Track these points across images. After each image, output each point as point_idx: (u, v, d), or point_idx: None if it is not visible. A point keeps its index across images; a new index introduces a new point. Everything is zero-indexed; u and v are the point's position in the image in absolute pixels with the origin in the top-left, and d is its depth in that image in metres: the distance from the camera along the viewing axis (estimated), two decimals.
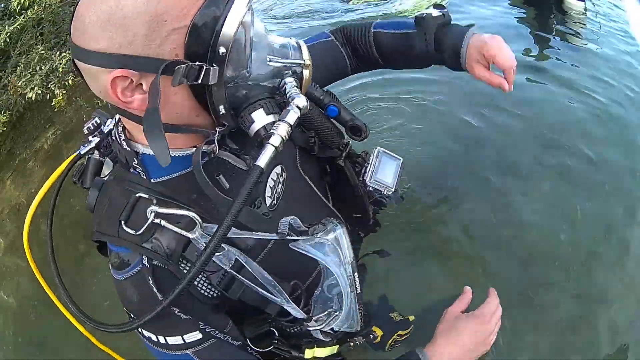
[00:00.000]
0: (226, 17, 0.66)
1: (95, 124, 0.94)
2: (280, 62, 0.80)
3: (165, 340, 0.79)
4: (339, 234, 0.85)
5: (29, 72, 2.89)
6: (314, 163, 1.13)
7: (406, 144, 2.24)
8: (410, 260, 1.73)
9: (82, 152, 0.94)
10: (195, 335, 0.80)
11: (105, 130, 0.93)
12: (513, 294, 1.73)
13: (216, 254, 0.74)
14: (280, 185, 0.95)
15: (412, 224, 1.86)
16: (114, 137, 0.82)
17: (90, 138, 0.93)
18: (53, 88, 3.03)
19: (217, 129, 0.76)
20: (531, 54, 2.95)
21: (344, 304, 0.87)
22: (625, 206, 2.03)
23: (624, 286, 1.76)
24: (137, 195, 0.76)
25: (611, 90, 2.58)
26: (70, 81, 3.23)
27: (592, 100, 2.52)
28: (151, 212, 0.74)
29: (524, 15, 3.41)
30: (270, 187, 0.92)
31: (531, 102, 2.48)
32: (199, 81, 0.66)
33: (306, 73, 0.82)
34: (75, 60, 0.69)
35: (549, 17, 3.38)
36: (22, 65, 2.93)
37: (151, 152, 0.75)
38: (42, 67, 2.94)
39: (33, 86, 2.85)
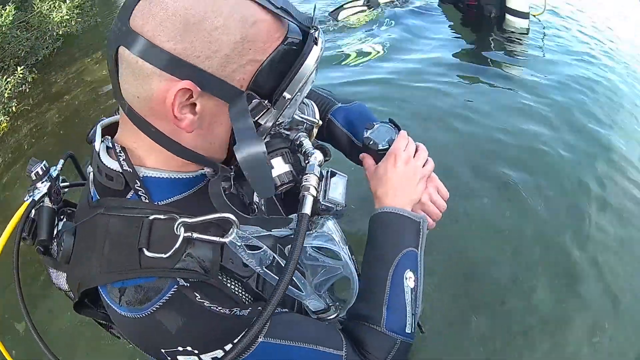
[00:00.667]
0: (302, 65, 0.64)
1: (45, 168, 0.83)
2: (301, 117, 0.85)
3: (234, 345, 0.67)
4: (333, 224, 0.87)
5: None
6: None
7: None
8: None
9: (36, 199, 0.80)
10: (245, 311, 0.71)
11: (54, 174, 0.83)
12: (455, 308, 1.79)
13: (251, 252, 0.72)
14: (263, 206, 0.94)
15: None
16: (102, 161, 0.70)
17: (38, 185, 0.81)
18: None
19: (232, 167, 0.74)
20: (472, 72, 3.09)
21: (353, 288, 0.88)
22: (568, 213, 2.17)
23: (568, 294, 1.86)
24: (152, 217, 0.67)
25: (553, 105, 2.75)
26: (14, 107, 3.10)
27: (535, 114, 2.69)
28: (179, 225, 0.65)
29: (464, 35, 3.58)
30: (255, 204, 0.92)
31: (471, 118, 2.64)
32: (255, 120, 0.66)
33: (314, 132, 0.88)
34: (122, 49, 0.59)
35: (489, 37, 3.53)
36: None
37: (155, 175, 0.69)
38: None
39: None
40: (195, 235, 0.66)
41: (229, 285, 0.72)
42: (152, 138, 0.66)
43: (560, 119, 2.72)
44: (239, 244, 0.69)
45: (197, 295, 0.66)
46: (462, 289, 1.90)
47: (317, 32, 0.67)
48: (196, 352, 0.66)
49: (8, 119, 3.01)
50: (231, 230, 0.68)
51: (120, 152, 0.68)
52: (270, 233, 0.76)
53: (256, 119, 0.66)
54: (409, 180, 0.99)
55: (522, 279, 1.94)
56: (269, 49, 0.63)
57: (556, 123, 2.68)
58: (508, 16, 3.50)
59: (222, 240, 0.67)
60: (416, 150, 1.02)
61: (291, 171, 0.78)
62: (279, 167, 0.77)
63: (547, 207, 2.20)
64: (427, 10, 4.12)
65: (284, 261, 0.74)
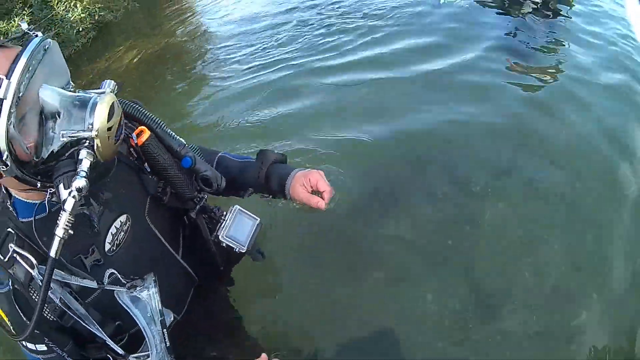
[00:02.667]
0: None
1: None
2: (69, 138, 0.81)
3: (26, 344, 0.97)
4: (152, 294, 0.99)
5: None
6: (167, 212, 1.20)
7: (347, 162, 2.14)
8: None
9: None
10: (43, 347, 0.97)
11: None
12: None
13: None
14: (122, 234, 1.04)
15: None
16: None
17: None
18: None
19: (48, 192, 0.87)
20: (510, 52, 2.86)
21: (150, 350, 1.01)
22: (591, 229, 1.83)
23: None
24: (7, 230, 0.90)
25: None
26: None
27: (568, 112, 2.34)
28: (11, 247, 0.88)
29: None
30: (112, 233, 1.01)
31: (494, 112, 2.34)
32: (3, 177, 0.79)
33: (97, 142, 0.81)
34: None
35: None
36: None
37: (18, 197, 0.92)
38: None
39: None
40: (17, 258, 0.87)
41: (36, 299, 0.88)
42: None
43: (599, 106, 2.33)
44: (39, 278, 0.88)
45: (13, 299, 0.91)
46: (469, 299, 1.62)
47: (8, 86, 0.72)
48: (11, 327, 0.94)
49: None
50: (34, 268, 0.88)
51: None
52: (76, 282, 0.94)
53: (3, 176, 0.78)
54: None
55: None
56: None
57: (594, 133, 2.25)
58: None
59: (30, 271, 0.88)
60: None
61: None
62: (62, 193, 0.80)
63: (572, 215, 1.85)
64: None
65: (79, 308, 0.95)
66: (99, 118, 0.80)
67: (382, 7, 3.59)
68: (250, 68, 3.21)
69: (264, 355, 1.10)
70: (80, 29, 4.22)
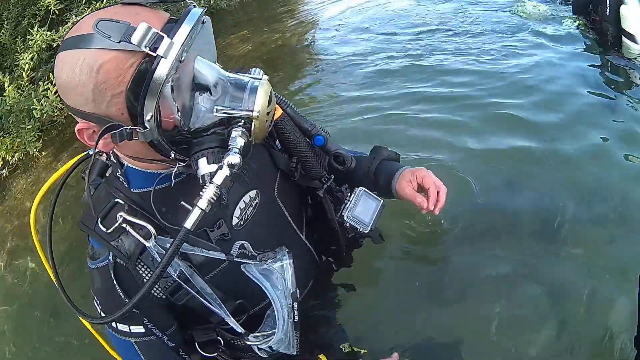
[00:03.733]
0: (148, 88, 0.69)
1: None
2: (226, 114, 0.80)
3: (116, 325, 0.93)
4: (285, 265, 0.97)
5: None
6: (294, 191, 1.21)
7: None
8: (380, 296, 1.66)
9: (90, 153, 1.02)
10: (139, 329, 0.92)
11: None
12: None
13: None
14: (250, 209, 1.03)
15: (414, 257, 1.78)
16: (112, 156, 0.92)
17: None
18: None
19: (177, 164, 0.84)
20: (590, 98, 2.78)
21: (277, 326, 0.97)
22: None
23: None
24: (115, 200, 0.87)
25: None
26: None
27: None
28: (120, 216, 0.84)
29: (587, 49, 3.34)
30: (240, 208, 1.00)
31: (583, 155, 2.27)
32: (134, 139, 0.73)
33: (255, 124, 0.80)
34: None
35: (606, 57, 3.19)
36: None
37: (134, 166, 0.89)
38: None
39: None
40: (128, 228, 0.84)
41: (145, 274, 0.87)
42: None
43: None
44: (154, 250, 0.84)
45: (112, 273, 0.87)
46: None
47: (170, 46, 0.68)
48: (100, 307, 0.93)
49: None
50: (150, 238, 0.85)
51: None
52: (202, 253, 0.91)
53: (136, 139, 0.73)
54: None
55: None
56: (124, 80, 0.69)
57: None
58: (623, 38, 3.22)
59: (143, 242, 0.84)
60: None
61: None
62: (203, 167, 0.78)
63: None
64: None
65: (202, 283, 0.91)
66: (260, 101, 0.79)
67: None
68: (358, 91, 3.19)
69: (395, 355, 1.14)
70: None
